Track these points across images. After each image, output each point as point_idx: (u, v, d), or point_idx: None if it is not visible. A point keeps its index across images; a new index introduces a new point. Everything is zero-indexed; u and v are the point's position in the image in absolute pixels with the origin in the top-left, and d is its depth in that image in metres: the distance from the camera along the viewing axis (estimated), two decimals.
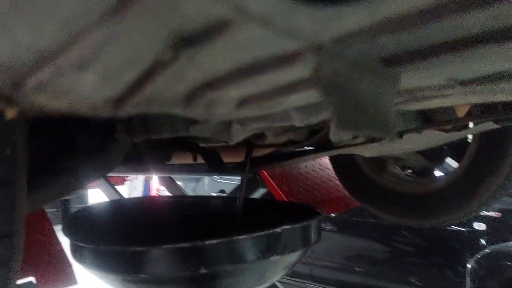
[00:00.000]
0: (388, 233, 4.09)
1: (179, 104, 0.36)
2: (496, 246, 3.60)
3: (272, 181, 2.13)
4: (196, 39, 0.27)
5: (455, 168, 2.02)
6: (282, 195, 2.09)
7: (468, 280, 3.57)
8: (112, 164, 0.95)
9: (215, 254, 0.72)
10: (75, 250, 0.84)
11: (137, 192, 4.70)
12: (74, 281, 1.33)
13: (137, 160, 1.12)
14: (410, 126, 0.74)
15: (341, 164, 2.31)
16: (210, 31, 0.27)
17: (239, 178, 1.33)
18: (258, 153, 1.32)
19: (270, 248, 0.76)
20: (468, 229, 3.77)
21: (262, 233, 0.75)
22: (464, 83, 0.47)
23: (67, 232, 0.87)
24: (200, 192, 4.44)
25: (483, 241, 3.73)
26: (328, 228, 4.12)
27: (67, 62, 0.27)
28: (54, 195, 0.88)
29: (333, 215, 4.01)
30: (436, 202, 2.00)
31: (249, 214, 1.03)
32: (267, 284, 0.86)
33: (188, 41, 0.27)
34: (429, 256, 3.90)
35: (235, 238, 0.73)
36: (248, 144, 0.99)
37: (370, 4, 0.26)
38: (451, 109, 0.91)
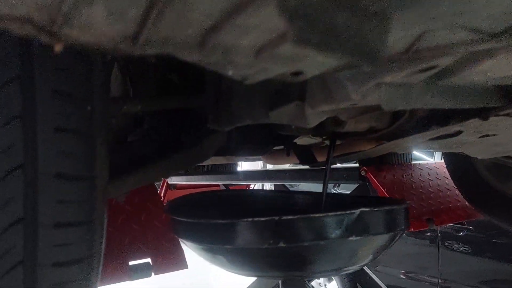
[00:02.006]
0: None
1: (194, 48, 0.39)
2: None
3: (382, 188, 2.08)
4: None
5: None
6: None
7: None
8: (205, 156, 1.05)
9: (293, 229, 0.76)
10: (175, 225, 0.95)
11: None
12: (185, 265, 1.47)
13: (230, 153, 1.22)
14: (490, 104, 0.68)
15: (459, 172, 2.16)
16: None
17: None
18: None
19: (348, 229, 0.77)
20: None
21: (339, 213, 0.77)
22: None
23: (169, 210, 0.99)
24: None
25: None
26: (460, 248, 3.84)
27: None
28: (150, 178, 1.00)
29: (462, 233, 3.74)
30: None
31: (338, 207, 1.06)
32: (350, 268, 0.87)
33: None
34: None
35: (311, 215, 0.76)
36: (332, 134, 1.00)
37: None
38: None
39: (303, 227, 0.75)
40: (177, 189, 3.96)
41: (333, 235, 0.75)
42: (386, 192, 2.09)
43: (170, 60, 0.87)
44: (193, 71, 1.11)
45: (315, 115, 0.73)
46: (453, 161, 2.17)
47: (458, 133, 0.86)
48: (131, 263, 1.39)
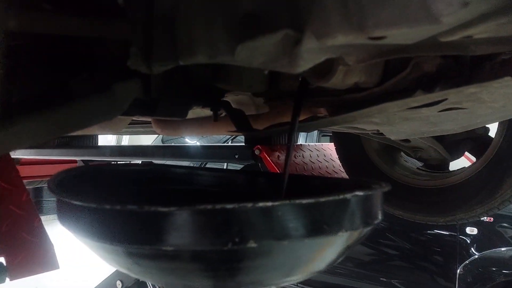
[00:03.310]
0: (375, 236, 3.98)
1: None
2: (485, 252, 3.57)
3: (276, 169, 1.95)
4: None
5: (474, 162, 1.89)
6: None
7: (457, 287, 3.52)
8: (117, 108, 0.73)
9: (271, 222, 0.52)
10: (65, 211, 0.63)
11: None
12: (55, 265, 1.10)
13: (147, 110, 0.90)
14: None
15: (349, 155, 2.15)
16: None
17: None
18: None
19: (338, 221, 0.56)
20: (460, 233, 3.71)
21: (329, 198, 0.55)
22: None
23: (54, 188, 0.65)
24: None
25: (474, 246, 3.68)
26: None
27: None
28: (46, 131, 0.66)
29: None
30: (454, 198, 1.85)
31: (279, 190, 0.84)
32: (314, 271, 0.66)
33: None
34: (417, 260, 3.83)
35: (294, 202, 0.53)
36: (302, 82, 0.77)
37: None
38: None
39: (287, 218, 0.52)
40: (21, 164, 3.38)
41: (325, 229, 0.54)
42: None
43: None
44: None
45: (314, 54, 0.49)
46: (343, 143, 2.14)
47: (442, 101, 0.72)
48: None
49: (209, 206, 0.51)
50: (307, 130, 0.87)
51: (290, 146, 0.74)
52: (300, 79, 0.76)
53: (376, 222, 0.65)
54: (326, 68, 0.66)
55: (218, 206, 0.51)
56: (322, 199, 0.54)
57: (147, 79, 0.80)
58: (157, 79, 0.82)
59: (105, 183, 0.84)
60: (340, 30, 0.45)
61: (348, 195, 0.57)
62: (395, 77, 0.75)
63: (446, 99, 0.71)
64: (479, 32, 0.48)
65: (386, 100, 0.70)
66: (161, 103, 0.90)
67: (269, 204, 0.52)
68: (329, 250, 0.62)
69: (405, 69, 0.74)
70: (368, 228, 0.64)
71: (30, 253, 1.07)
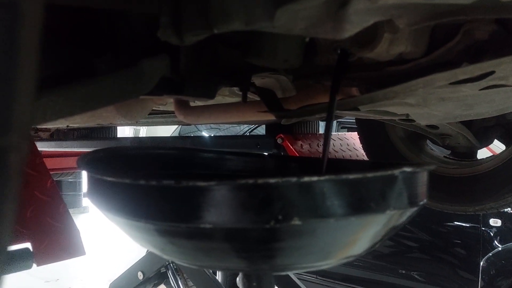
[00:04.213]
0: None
1: None
2: (509, 244, 3.50)
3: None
4: None
5: (504, 150, 1.83)
6: None
7: (480, 279, 3.46)
8: (143, 86, 0.70)
9: (315, 199, 0.49)
10: (97, 188, 0.60)
11: None
12: (81, 252, 1.09)
13: (174, 90, 0.87)
14: None
15: (373, 143, 2.10)
16: None
17: None
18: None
19: (385, 198, 0.53)
20: (483, 225, 3.64)
21: (376, 173, 0.52)
22: None
23: (85, 166, 0.62)
24: None
25: (497, 238, 3.61)
26: None
27: None
28: (71, 106, 0.63)
29: None
30: (483, 186, 1.80)
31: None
32: (357, 254, 0.63)
33: None
34: (438, 253, 3.77)
35: (341, 177, 0.50)
36: (342, 53, 0.72)
37: None
38: None
39: (333, 195, 0.48)
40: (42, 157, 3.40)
41: (372, 207, 0.50)
42: None
43: None
44: None
45: (362, 16, 0.45)
46: (367, 132, 2.10)
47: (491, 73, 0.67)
48: None
49: (251, 181, 0.47)
50: (344, 108, 0.83)
51: (329, 124, 0.69)
52: (339, 51, 0.71)
53: (422, 202, 0.61)
54: (370, 36, 0.62)
55: (260, 181, 0.47)
56: (370, 175, 0.51)
57: (176, 56, 0.76)
58: (186, 56, 0.78)
59: (132, 164, 0.82)
60: None
61: (396, 171, 0.53)
62: (444, 45, 0.70)
63: (493, 72, 0.66)
64: None
65: (433, 72, 0.65)
66: (188, 83, 0.86)
67: (315, 179, 0.48)
68: (374, 230, 0.58)
69: (455, 37, 0.69)
70: (415, 209, 0.60)
71: (55, 238, 1.06)
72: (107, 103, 0.68)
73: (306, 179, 0.48)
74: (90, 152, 0.70)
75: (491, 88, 0.80)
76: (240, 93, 1.06)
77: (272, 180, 0.48)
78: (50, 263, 1.03)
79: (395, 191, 0.54)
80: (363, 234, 0.59)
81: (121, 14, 0.79)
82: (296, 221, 0.48)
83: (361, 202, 0.51)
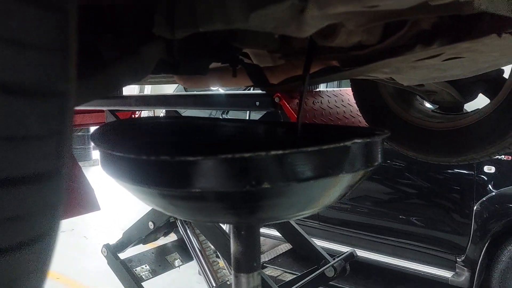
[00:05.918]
0: (394, 175, 4.08)
1: None
2: (502, 189, 3.62)
3: (295, 115, 2.02)
4: None
5: (487, 104, 1.92)
6: None
7: (472, 222, 3.62)
8: (144, 69, 0.82)
9: (279, 168, 0.62)
10: (109, 161, 0.74)
11: None
12: (96, 207, 1.25)
13: (170, 69, 0.99)
14: None
15: (366, 100, 2.19)
16: None
17: None
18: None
19: (340, 165, 0.66)
20: (477, 172, 3.76)
21: (331, 146, 0.65)
22: None
23: (98, 142, 0.76)
24: None
25: (492, 184, 3.73)
26: None
27: None
28: (82, 96, 0.75)
29: None
30: (466, 138, 1.91)
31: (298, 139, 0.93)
32: (322, 207, 0.77)
33: None
34: (435, 198, 3.91)
35: (302, 150, 0.63)
36: (311, 42, 0.84)
37: None
38: None
39: (295, 164, 0.62)
40: None
41: (329, 172, 0.64)
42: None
43: None
44: None
45: (317, 20, 0.57)
46: (360, 88, 2.19)
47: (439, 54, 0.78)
48: None
49: (230, 156, 0.61)
50: (320, 82, 0.92)
51: (301, 101, 0.82)
52: (308, 40, 0.83)
53: (375, 164, 0.74)
54: (331, 30, 0.73)
55: (237, 155, 0.61)
56: (325, 147, 0.64)
57: (170, 41, 0.87)
58: (179, 42, 0.89)
59: (138, 134, 0.95)
60: (339, 0, 0.52)
61: (348, 143, 0.66)
62: (394, 35, 0.81)
63: (443, 53, 0.77)
64: None
65: (389, 56, 0.76)
66: (182, 63, 0.98)
67: (280, 152, 0.61)
68: (334, 189, 0.72)
69: (403, 27, 0.80)
70: (369, 169, 0.73)
71: (72, 196, 1.21)
72: (115, 89, 0.80)
73: (273, 152, 0.61)
74: (100, 127, 0.83)
75: (452, 59, 0.91)
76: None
77: (246, 155, 0.61)
78: (68, 218, 1.19)
79: (348, 158, 0.67)
80: (326, 192, 0.72)
81: (124, 6, 0.89)
82: (266, 185, 0.62)
83: (319, 169, 0.65)
